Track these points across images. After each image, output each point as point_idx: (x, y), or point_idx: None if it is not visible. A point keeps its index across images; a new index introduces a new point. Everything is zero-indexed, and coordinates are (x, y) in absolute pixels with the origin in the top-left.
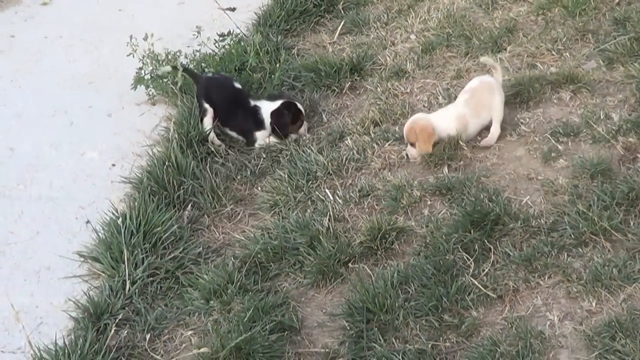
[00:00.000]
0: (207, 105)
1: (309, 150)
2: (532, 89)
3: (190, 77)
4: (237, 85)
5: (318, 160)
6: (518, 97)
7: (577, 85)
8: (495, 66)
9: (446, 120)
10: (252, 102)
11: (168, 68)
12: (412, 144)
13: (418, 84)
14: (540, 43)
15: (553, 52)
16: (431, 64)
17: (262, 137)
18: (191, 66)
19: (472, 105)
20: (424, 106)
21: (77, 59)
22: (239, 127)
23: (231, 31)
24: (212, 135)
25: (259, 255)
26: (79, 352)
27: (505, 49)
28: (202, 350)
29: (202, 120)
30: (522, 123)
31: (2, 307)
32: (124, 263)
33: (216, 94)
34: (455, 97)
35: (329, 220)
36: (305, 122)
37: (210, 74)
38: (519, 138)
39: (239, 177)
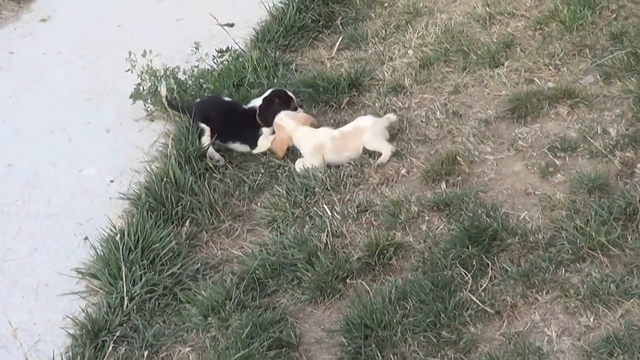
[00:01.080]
0: (203, 125)
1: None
2: (530, 104)
3: (177, 110)
4: (226, 98)
5: (316, 176)
6: (515, 112)
7: (574, 100)
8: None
9: (309, 138)
10: (246, 106)
11: (164, 91)
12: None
13: (416, 99)
14: (538, 58)
15: (550, 67)
16: (429, 79)
17: (267, 135)
18: (189, 82)
19: (336, 143)
20: (421, 121)
21: (75, 75)
22: (241, 135)
23: (229, 47)
24: (211, 150)
25: (257, 272)
26: None
27: (503, 64)
28: None
29: (199, 138)
30: (519, 138)
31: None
32: (122, 280)
33: (209, 112)
34: (453, 113)
35: (327, 236)
36: (299, 109)
37: (198, 99)
38: (516, 153)
39: (237, 193)
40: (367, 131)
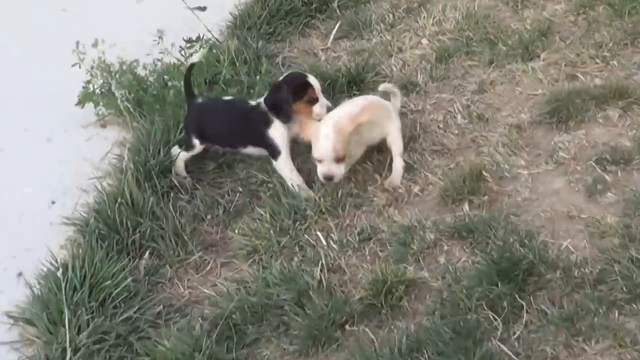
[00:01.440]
0: (196, 141)
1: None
2: (572, 105)
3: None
4: (226, 98)
5: (308, 196)
6: (555, 115)
7: (627, 100)
8: (394, 92)
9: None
10: (252, 102)
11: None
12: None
13: (431, 100)
14: (582, 49)
15: (597, 60)
16: (447, 75)
17: (280, 131)
18: (151, 79)
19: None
20: (438, 127)
21: (9, 70)
22: (250, 138)
23: (201, 36)
24: (181, 164)
25: (233, 316)
26: None
27: (539, 57)
28: None
29: (184, 150)
30: (560, 148)
31: None
32: (64, 326)
33: (209, 121)
34: (478, 117)
35: (321, 270)
36: (322, 98)
37: (200, 100)
38: (556, 167)
39: (209, 217)
40: (393, 115)
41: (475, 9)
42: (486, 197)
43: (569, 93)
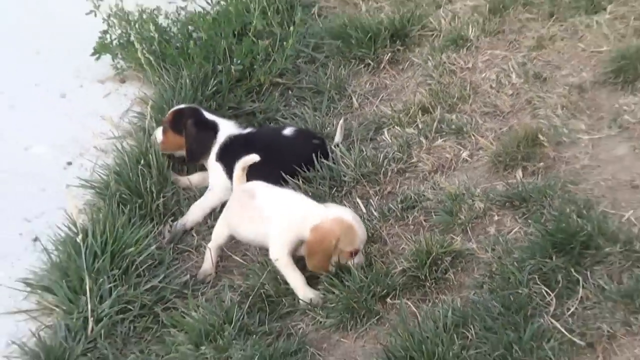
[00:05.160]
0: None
1: (334, 147)
2: None
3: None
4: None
5: (346, 161)
6: (621, 75)
7: None
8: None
9: None
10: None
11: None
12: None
13: (483, 57)
14: None
15: None
16: (502, 29)
17: None
18: (174, 30)
19: None
20: (491, 87)
21: (19, 19)
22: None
23: None
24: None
25: (265, 286)
26: None
27: (605, 9)
28: None
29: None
30: (625, 111)
31: None
32: (85, 295)
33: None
34: (535, 75)
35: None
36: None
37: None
38: (620, 132)
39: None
40: None
41: None
42: (542, 163)
43: (637, 50)
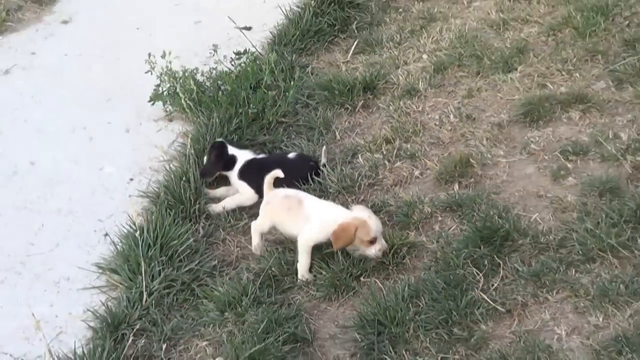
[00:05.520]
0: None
1: (322, 168)
2: (542, 108)
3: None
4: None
5: (331, 178)
6: (528, 116)
7: (586, 105)
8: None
9: None
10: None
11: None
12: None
13: (430, 103)
14: (551, 63)
15: (563, 73)
16: (443, 83)
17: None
18: (207, 84)
19: None
20: (435, 124)
21: (95, 76)
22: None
23: (247, 49)
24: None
25: (272, 269)
26: None
27: (516, 69)
28: None
29: None
30: (532, 142)
31: (23, 316)
32: (141, 275)
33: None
34: (467, 116)
35: None
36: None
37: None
38: (529, 156)
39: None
40: None
41: (466, 30)
42: (472, 179)
43: (540, 98)
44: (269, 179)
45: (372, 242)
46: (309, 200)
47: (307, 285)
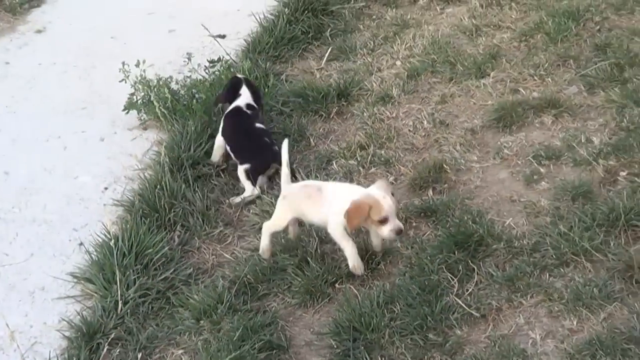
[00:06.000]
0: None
1: (297, 174)
2: (515, 113)
3: None
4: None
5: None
6: (501, 121)
7: (558, 109)
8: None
9: None
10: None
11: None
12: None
13: (403, 109)
14: (523, 69)
15: (535, 78)
16: (416, 89)
17: None
18: (182, 92)
19: None
20: (409, 130)
21: (70, 85)
22: None
23: (221, 57)
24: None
25: (247, 276)
26: None
27: (489, 75)
28: None
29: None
30: (505, 147)
31: None
32: (116, 284)
33: None
34: (440, 122)
35: (317, 241)
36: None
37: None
38: (502, 161)
39: (228, 200)
40: None
41: (439, 37)
42: (446, 185)
43: (512, 104)
44: (284, 175)
45: (383, 222)
46: (327, 185)
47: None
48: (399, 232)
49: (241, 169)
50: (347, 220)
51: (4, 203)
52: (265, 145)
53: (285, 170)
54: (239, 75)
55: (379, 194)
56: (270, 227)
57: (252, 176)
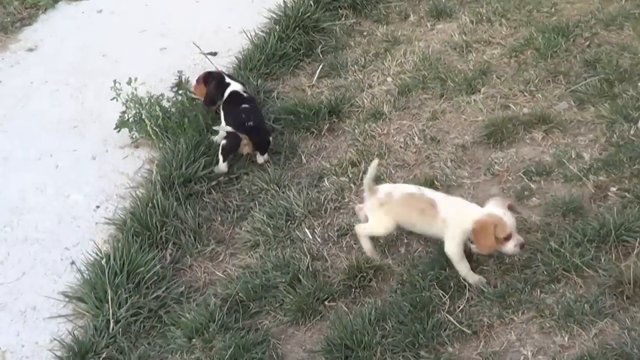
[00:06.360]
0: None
1: (288, 191)
2: (505, 129)
3: None
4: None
5: (297, 202)
6: (492, 137)
7: (549, 125)
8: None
9: None
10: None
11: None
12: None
13: (395, 126)
14: (513, 85)
15: (526, 94)
16: (407, 105)
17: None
18: (173, 110)
19: None
20: (400, 147)
21: (62, 103)
22: None
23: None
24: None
25: (239, 294)
26: None
27: (479, 91)
28: None
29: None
30: (495, 163)
31: None
32: (108, 303)
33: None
34: (431, 138)
35: (308, 259)
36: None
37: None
38: (493, 177)
39: (220, 218)
40: None
41: (430, 53)
42: None
43: (503, 119)
44: (368, 180)
45: (507, 238)
46: (441, 201)
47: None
48: (522, 247)
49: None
50: (476, 242)
51: None
52: (241, 122)
53: (369, 174)
54: (213, 70)
55: (500, 212)
56: (367, 232)
57: (224, 153)
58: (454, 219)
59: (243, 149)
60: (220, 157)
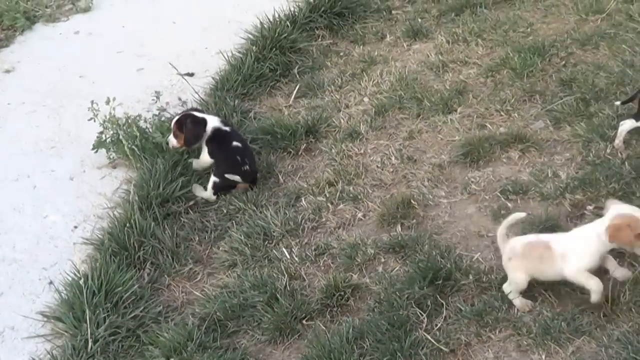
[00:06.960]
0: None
1: (266, 211)
2: (482, 148)
3: None
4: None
5: (274, 221)
6: (468, 156)
7: (525, 144)
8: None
9: None
10: None
11: None
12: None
13: (371, 145)
14: (490, 104)
15: (502, 113)
16: (384, 125)
17: None
18: (151, 130)
19: None
20: (377, 166)
21: (39, 124)
22: None
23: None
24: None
25: (217, 313)
26: None
27: (456, 110)
28: None
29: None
30: (472, 182)
31: None
32: (86, 322)
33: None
34: (408, 158)
35: (286, 278)
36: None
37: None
38: (469, 196)
39: (197, 237)
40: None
41: (406, 73)
42: (414, 220)
43: (479, 139)
44: (503, 230)
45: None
46: (554, 239)
47: (252, 329)
48: None
49: (211, 180)
50: (612, 235)
51: None
52: (236, 164)
53: (502, 231)
54: (189, 109)
55: (629, 209)
56: (514, 290)
57: (216, 189)
58: (572, 249)
59: (238, 188)
60: (211, 191)
